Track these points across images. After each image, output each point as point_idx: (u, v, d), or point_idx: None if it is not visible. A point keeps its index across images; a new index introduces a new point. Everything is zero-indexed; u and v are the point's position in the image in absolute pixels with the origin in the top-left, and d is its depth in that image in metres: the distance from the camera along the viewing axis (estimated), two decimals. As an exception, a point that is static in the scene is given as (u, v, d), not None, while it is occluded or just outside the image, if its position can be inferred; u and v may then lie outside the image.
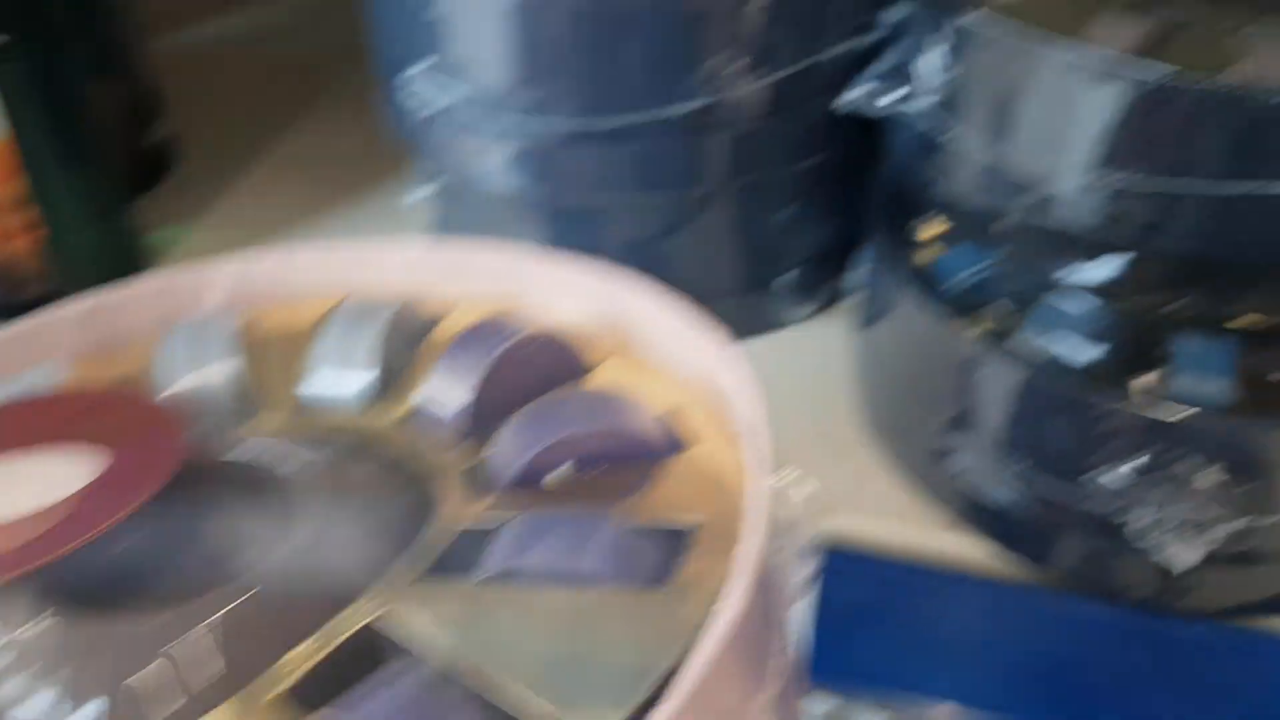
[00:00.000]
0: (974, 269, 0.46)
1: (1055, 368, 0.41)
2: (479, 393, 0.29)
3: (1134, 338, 0.42)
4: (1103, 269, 0.41)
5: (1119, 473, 0.40)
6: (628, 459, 0.28)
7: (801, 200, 0.56)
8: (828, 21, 0.50)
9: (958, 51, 0.42)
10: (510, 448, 0.28)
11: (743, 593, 0.22)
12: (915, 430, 0.47)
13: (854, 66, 0.52)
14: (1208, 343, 0.40)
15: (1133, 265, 0.40)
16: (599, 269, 0.33)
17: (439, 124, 0.52)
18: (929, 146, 0.46)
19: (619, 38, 0.47)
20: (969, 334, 0.42)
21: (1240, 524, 0.38)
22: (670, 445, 0.29)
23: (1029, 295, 0.44)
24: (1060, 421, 0.40)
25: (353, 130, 0.74)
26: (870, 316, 0.50)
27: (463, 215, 0.59)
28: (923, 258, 0.49)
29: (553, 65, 0.48)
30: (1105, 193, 0.39)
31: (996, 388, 0.42)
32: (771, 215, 0.55)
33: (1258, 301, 0.40)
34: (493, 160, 0.52)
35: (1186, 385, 0.40)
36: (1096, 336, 0.42)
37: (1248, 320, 0.40)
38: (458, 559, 0.25)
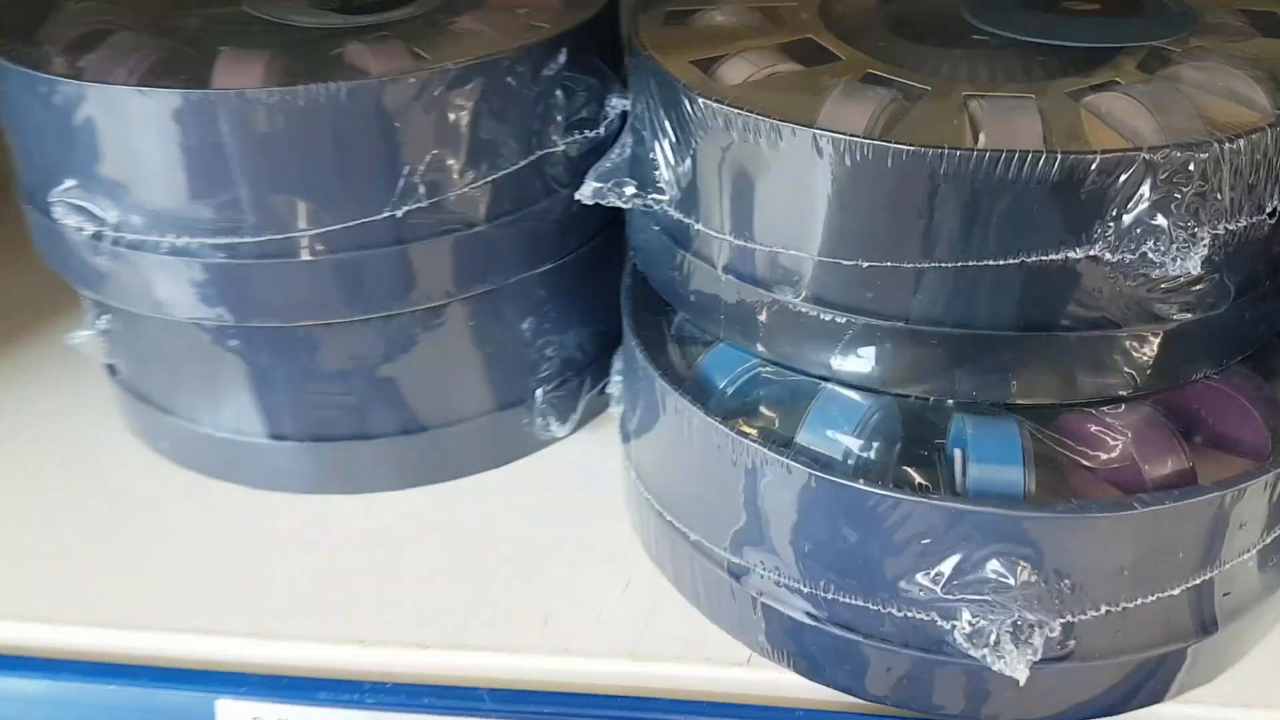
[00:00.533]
0: (740, 368, 0.41)
1: (840, 469, 0.37)
2: None
3: (918, 430, 0.39)
4: (871, 358, 0.37)
5: (924, 580, 0.35)
6: None
7: (549, 306, 0.50)
8: (547, 113, 0.45)
9: (687, 141, 0.38)
10: None
11: None
12: (700, 553, 0.42)
13: (589, 158, 0.47)
14: (992, 427, 0.37)
15: (901, 351, 0.37)
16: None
17: (100, 249, 0.43)
18: (676, 239, 0.41)
19: (309, 138, 0.40)
20: (743, 440, 0.37)
21: (1060, 623, 0.35)
22: None
23: (802, 393, 0.40)
24: (855, 529, 0.36)
25: (20, 266, 0.64)
26: (635, 429, 0.45)
27: (144, 350, 0.49)
28: (684, 359, 0.44)
29: (231, 175, 0.40)
30: (857, 277, 0.36)
31: (781, 498, 0.37)
32: (515, 325, 0.49)
33: (1031, 379, 0.37)
34: (171, 286, 0.43)
35: (978, 476, 0.36)
36: (879, 432, 0.38)
37: (1028, 400, 0.37)
38: None
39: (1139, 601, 0.36)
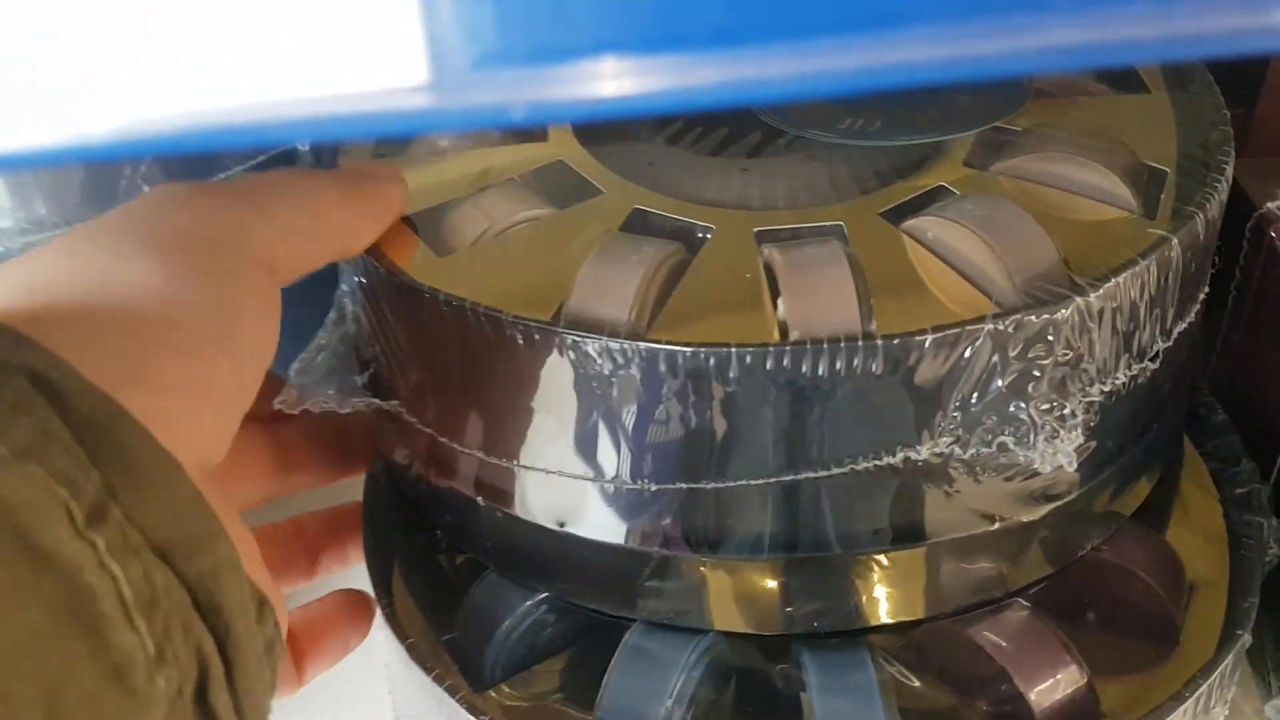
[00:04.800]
0: (525, 604, 0.32)
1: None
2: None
3: (759, 657, 0.30)
4: (680, 595, 0.28)
5: None
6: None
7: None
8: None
9: (405, 329, 0.29)
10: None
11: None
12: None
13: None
14: (840, 667, 0.29)
15: (715, 584, 0.28)
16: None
17: None
18: (420, 447, 0.32)
19: None
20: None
21: None
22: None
23: (605, 628, 0.31)
24: None
25: None
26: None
27: None
28: (457, 571, 0.34)
29: None
30: (647, 502, 0.27)
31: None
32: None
33: (881, 599, 0.29)
34: None
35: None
36: (708, 679, 0.29)
37: (879, 622, 0.29)
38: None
39: None
